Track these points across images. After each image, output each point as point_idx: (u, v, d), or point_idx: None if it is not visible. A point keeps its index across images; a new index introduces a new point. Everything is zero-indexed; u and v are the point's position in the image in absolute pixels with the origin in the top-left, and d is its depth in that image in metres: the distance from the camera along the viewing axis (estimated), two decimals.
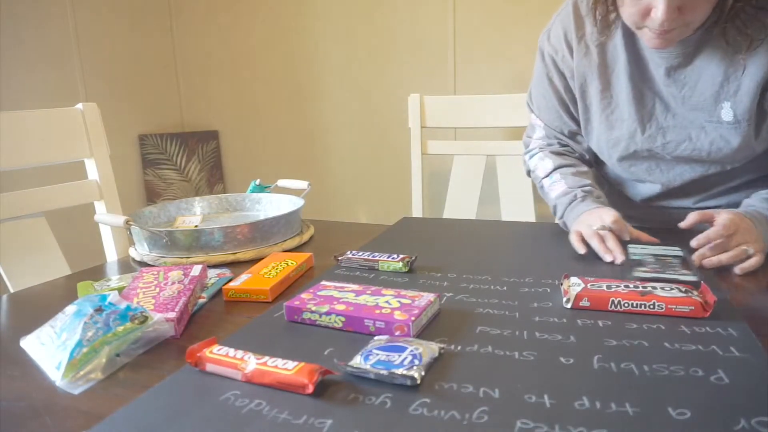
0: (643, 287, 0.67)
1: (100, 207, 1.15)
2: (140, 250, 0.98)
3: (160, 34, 2.36)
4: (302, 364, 0.51)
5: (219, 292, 0.78)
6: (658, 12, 0.74)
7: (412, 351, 0.54)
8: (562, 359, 0.54)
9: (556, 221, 1.00)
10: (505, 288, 0.74)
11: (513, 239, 1.00)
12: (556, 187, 0.99)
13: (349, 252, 0.88)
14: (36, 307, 0.79)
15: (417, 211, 1.55)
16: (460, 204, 1.52)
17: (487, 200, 1.53)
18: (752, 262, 0.77)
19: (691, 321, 0.62)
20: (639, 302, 0.64)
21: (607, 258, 0.83)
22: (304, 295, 0.68)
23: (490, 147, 1.49)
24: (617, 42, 0.91)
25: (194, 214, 1.20)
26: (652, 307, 0.64)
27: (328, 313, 0.63)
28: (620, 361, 0.53)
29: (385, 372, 0.50)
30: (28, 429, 0.47)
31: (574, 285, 0.69)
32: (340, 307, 0.64)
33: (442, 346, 0.57)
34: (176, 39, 2.39)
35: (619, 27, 0.90)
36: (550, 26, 1.01)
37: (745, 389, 0.48)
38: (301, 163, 2.30)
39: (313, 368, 0.50)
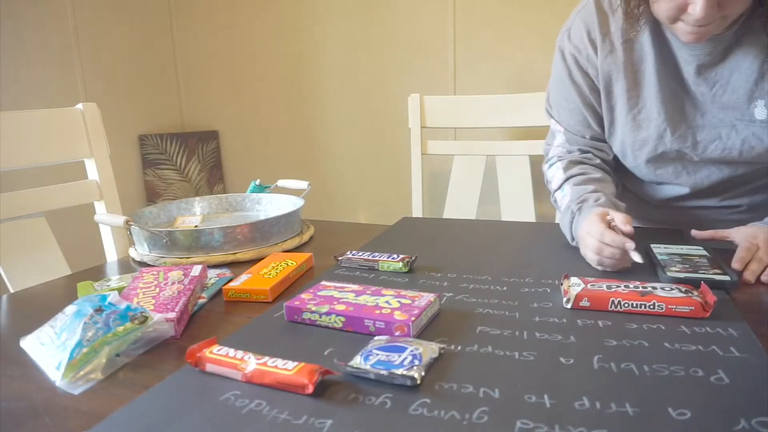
0: (643, 287, 0.67)
1: (100, 207, 1.15)
2: (140, 251, 0.98)
3: (160, 34, 2.36)
4: (302, 364, 0.51)
5: (219, 292, 0.78)
6: (697, 7, 0.71)
7: (412, 351, 0.54)
8: (562, 359, 0.54)
9: (572, 244, 0.90)
10: (505, 288, 0.74)
11: (513, 239, 1.00)
12: (563, 201, 0.94)
13: (349, 252, 0.88)
14: (36, 307, 0.79)
15: (417, 211, 1.55)
16: (460, 204, 1.52)
17: (487, 200, 1.53)
18: None
19: (691, 321, 0.62)
20: (639, 302, 0.64)
21: (635, 257, 0.74)
22: (304, 295, 0.68)
23: (490, 147, 1.49)
24: (644, 39, 0.88)
25: (194, 214, 1.20)
26: (652, 307, 0.64)
27: (328, 313, 0.63)
28: (620, 361, 0.53)
29: (385, 372, 0.50)
30: (28, 429, 0.47)
31: (574, 285, 0.69)
32: (340, 307, 0.64)
33: (442, 346, 0.57)
34: (176, 39, 2.39)
35: (647, 23, 0.86)
36: (569, 24, 0.96)
37: (745, 389, 0.48)
38: (301, 163, 2.30)
39: (313, 368, 0.50)
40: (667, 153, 0.91)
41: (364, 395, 0.49)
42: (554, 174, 1.00)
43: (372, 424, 0.45)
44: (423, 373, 0.51)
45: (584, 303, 0.66)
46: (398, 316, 0.60)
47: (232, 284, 0.76)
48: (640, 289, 0.66)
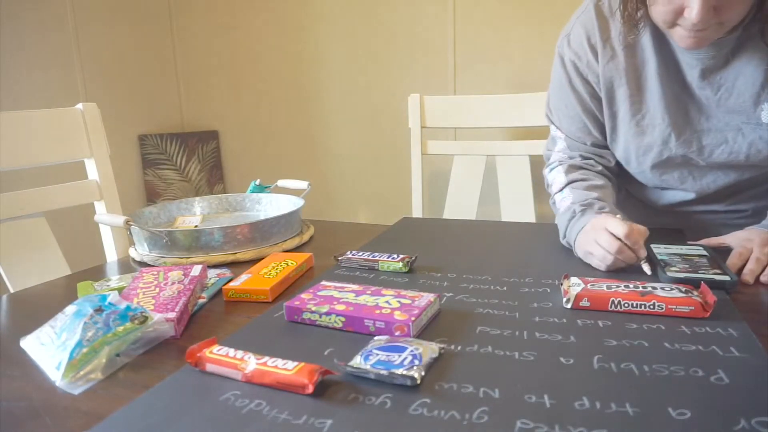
0: (643, 287, 0.67)
1: (100, 207, 1.15)
2: (140, 250, 0.98)
3: (160, 34, 2.36)
4: (302, 364, 0.51)
5: (219, 292, 0.78)
6: (693, 11, 0.70)
7: (412, 351, 0.54)
8: (562, 359, 0.54)
9: (561, 241, 0.92)
10: (505, 288, 0.74)
11: (513, 239, 1.00)
12: (563, 203, 0.93)
13: (349, 252, 0.88)
14: (36, 307, 0.79)
15: (417, 211, 1.55)
16: (460, 204, 1.52)
17: (487, 200, 1.53)
18: None
19: (691, 321, 0.62)
20: (639, 302, 0.64)
21: (645, 268, 0.77)
22: (304, 295, 0.68)
23: (490, 147, 1.49)
24: (646, 43, 0.87)
25: (194, 214, 1.20)
26: (652, 307, 0.64)
27: (328, 313, 0.63)
28: (620, 361, 0.53)
29: (385, 372, 0.50)
30: (28, 429, 0.47)
31: (574, 285, 0.69)
32: (340, 307, 0.64)
33: (442, 346, 0.57)
34: (176, 39, 2.39)
35: (648, 27, 0.85)
36: (569, 30, 0.94)
37: (745, 389, 0.48)
38: (301, 163, 2.30)
39: (313, 368, 0.50)
40: (673, 158, 0.90)
41: (364, 395, 0.49)
42: (555, 177, 0.99)
43: (372, 424, 0.45)
44: (423, 373, 0.51)
45: (584, 303, 0.66)
46: (398, 316, 0.60)
47: (232, 284, 0.76)
48: (640, 289, 0.66)
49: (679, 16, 0.74)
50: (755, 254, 0.77)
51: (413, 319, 0.60)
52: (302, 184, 1.20)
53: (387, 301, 0.64)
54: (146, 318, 0.62)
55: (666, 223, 1.04)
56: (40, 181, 1.09)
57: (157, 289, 0.71)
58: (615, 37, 0.89)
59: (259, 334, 0.63)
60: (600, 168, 0.98)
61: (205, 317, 0.70)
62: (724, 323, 0.61)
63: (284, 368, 0.50)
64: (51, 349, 0.58)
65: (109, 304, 0.63)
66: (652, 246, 0.84)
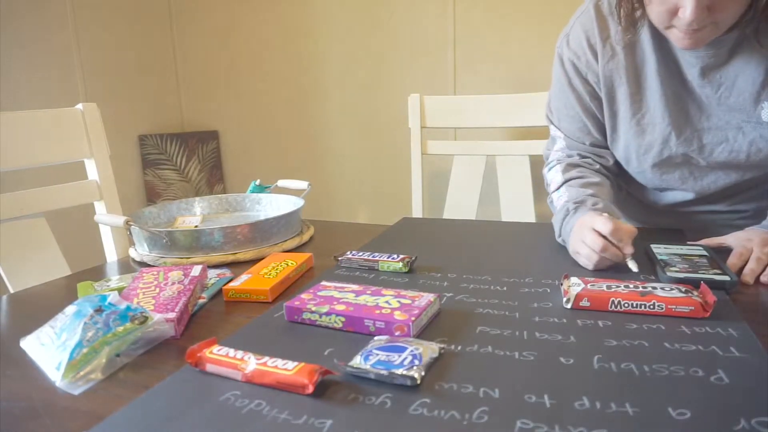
0: (643, 287, 0.67)
1: (100, 207, 1.15)
2: (140, 251, 0.98)
3: (160, 34, 2.36)
4: (302, 364, 0.51)
5: (219, 292, 0.78)
6: (687, 11, 0.71)
7: (412, 351, 0.54)
8: (562, 359, 0.54)
9: (557, 240, 0.92)
10: (505, 288, 0.74)
11: (513, 239, 1.00)
12: (559, 202, 0.93)
13: (349, 252, 0.88)
14: (36, 308, 0.79)
15: (417, 211, 1.55)
16: (460, 204, 1.52)
17: (487, 200, 1.53)
18: None
19: (691, 321, 0.62)
20: (639, 302, 0.64)
21: (631, 265, 0.76)
22: (304, 296, 0.68)
23: (490, 147, 1.49)
24: (645, 42, 0.87)
25: (194, 214, 1.20)
26: (652, 307, 0.64)
27: (328, 314, 0.63)
28: (620, 361, 0.53)
29: (385, 372, 0.50)
30: (28, 429, 0.47)
31: (574, 285, 0.69)
32: (340, 308, 0.64)
33: (442, 346, 0.57)
34: (176, 39, 2.39)
35: (646, 26, 0.85)
36: (568, 30, 0.95)
37: (745, 389, 0.48)
38: (301, 163, 2.30)
39: (313, 368, 0.50)
40: (673, 157, 0.90)
41: (364, 395, 0.49)
42: (553, 177, 0.99)
43: (372, 424, 0.45)
44: (423, 373, 0.51)
45: (584, 303, 0.66)
46: (398, 316, 0.60)
47: (232, 284, 0.76)
48: (640, 289, 0.66)
49: (674, 17, 0.74)
50: (755, 254, 0.77)
51: (413, 319, 0.60)
52: (302, 184, 1.20)
53: (387, 301, 0.64)
54: (146, 318, 0.62)
55: (666, 223, 1.04)
56: (40, 182, 1.09)
57: (157, 290, 0.71)
58: (614, 37, 0.89)
59: (259, 334, 0.63)
60: (598, 166, 0.99)
61: (205, 317, 0.70)
62: (724, 323, 0.61)
63: (284, 368, 0.50)
64: (51, 349, 0.58)
65: (109, 304, 0.63)
66: (652, 246, 0.84)
